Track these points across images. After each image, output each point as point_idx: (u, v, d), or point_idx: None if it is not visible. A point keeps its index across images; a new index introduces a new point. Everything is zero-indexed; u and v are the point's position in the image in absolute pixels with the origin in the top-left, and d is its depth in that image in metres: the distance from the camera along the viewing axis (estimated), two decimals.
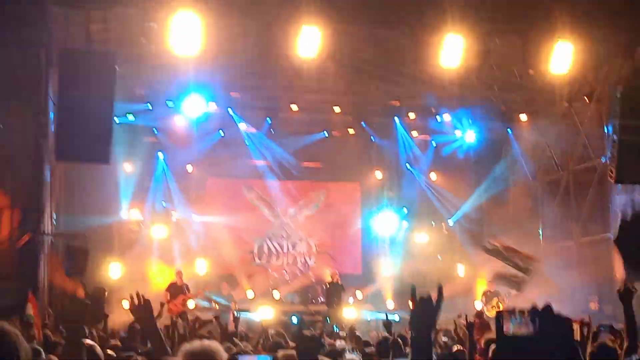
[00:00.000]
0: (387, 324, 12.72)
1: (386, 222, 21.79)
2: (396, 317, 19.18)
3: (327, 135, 21.37)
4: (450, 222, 21.79)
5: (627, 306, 6.03)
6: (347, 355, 6.76)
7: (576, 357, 3.18)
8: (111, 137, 13.59)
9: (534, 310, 3.23)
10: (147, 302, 4.73)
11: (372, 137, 21.49)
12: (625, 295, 6.05)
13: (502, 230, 20.94)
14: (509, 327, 3.20)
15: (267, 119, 20.35)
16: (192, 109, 18.90)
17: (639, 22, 14.16)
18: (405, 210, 22.17)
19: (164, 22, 13.97)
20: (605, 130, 17.16)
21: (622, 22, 14.19)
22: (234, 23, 15.40)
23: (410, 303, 3.21)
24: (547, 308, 3.07)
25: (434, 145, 21.99)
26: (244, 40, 15.83)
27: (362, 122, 20.89)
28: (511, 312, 3.32)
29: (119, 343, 9.28)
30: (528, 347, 3.13)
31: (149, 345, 6.29)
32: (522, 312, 3.41)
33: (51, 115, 14.26)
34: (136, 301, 4.71)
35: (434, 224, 22.07)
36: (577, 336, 7.21)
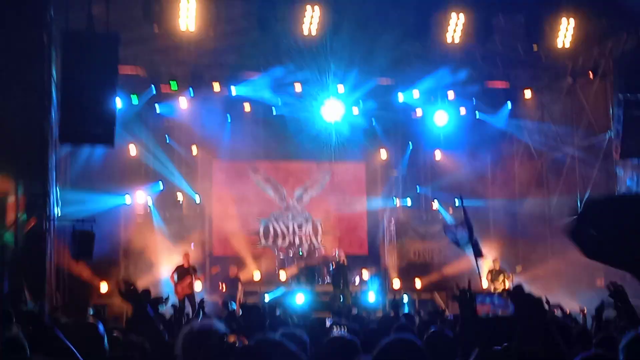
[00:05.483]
0: (395, 304, 12.77)
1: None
2: (405, 298, 19.20)
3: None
4: (457, 202, 21.58)
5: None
6: (334, 331, 6.74)
7: (548, 335, 3.21)
8: (114, 119, 13.55)
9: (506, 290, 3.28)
10: (134, 288, 4.42)
11: (372, 119, 21.29)
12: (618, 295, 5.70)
13: (506, 211, 20.86)
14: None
15: (273, 99, 20.14)
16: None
17: None
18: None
19: (166, 4, 13.90)
20: (610, 105, 17.09)
21: None
22: (236, 3, 15.35)
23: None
24: (518, 288, 3.13)
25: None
26: (247, 20, 15.78)
27: (362, 101, 20.53)
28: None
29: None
30: (497, 326, 3.18)
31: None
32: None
33: (54, 97, 14.21)
34: (122, 287, 4.40)
35: (438, 203, 21.96)
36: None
